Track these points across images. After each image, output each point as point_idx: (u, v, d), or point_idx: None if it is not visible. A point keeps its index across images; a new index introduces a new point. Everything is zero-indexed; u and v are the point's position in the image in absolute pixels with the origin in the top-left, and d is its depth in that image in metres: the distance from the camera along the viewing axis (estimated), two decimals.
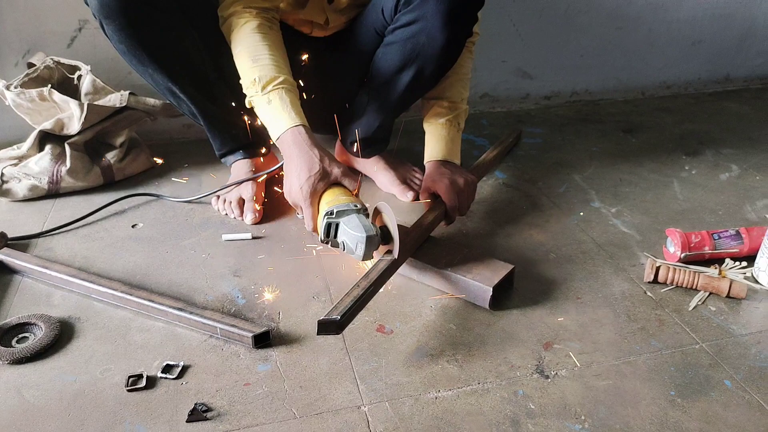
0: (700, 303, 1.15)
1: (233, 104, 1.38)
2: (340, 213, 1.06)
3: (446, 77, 1.38)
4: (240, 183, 1.41)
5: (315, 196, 1.11)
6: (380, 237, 1.06)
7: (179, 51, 1.28)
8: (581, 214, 1.46)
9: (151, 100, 1.49)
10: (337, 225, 1.06)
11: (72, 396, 0.95)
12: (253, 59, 1.17)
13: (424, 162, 1.40)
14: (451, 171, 1.33)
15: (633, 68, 2.12)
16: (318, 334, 0.95)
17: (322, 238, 1.07)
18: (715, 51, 2.17)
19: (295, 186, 1.11)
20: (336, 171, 1.12)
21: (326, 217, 1.06)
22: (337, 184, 1.13)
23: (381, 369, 1.01)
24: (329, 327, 0.95)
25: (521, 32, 1.97)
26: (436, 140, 1.39)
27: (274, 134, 1.14)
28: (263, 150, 1.52)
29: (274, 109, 1.14)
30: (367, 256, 1.04)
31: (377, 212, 1.11)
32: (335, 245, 1.08)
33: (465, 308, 1.14)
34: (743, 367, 1.00)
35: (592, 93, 2.13)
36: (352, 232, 1.03)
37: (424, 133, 1.43)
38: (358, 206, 1.06)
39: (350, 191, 1.12)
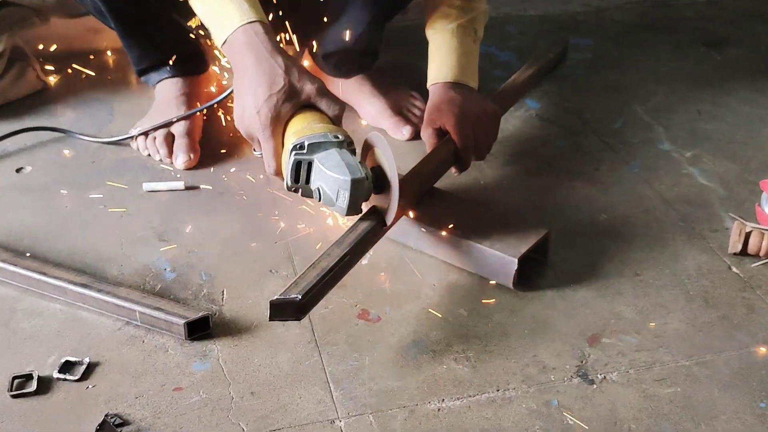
0: None
1: None
2: (315, 147, 1.05)
3: None
4: (173, 122, 1.43)
5: (278, 124, 1.10)
6: (372, 182, 1.06)
7: None
8: (644, 159, 1.46)
9: None
10: (309, 164, 1.06)
11: None
12: None
13: (427, 85, 1.40)
14: (464, 98, 1.33)
15: None
16: (271, 319, 0.95)
17: (289, 184, 1.07)
18: None
19: (249, 109, 1.10)
20: (308, 87, 1.11)
21: (294, 152, 1.05)
22: (309, 106, 1.12)
23: (363, 370, 1.02)
24: (286, 310, 0.95)
25: None
26: (443, 54, 1.39)
27: (218, 35, 1.13)
28: (202, 64, 1.51)
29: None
30: (353, 208, 1.04)
31: (368, 147, 1.12)
32: (307, 193, 1.08)
33: (481, 288, 1.15)
34: None
35: None
36: (332, 173, 1.03)
37: (427, 43, 1.42)
38: (341, 137, 1.06)
39: (329, 117, 1.12)
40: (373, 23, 1.43)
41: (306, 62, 1.60)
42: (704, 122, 1.59)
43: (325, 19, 1.46)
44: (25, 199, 1.31)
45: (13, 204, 1.30)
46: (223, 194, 1.35)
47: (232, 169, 1.42)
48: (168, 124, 1.44)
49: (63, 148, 1.46)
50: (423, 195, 1.24)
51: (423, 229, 1.20)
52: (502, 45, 1.88)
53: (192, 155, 1.42)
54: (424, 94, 1.43)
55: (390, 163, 1.07)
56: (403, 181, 1.17)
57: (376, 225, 1.09)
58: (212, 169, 1.42)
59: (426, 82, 1.41)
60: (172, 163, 1.43)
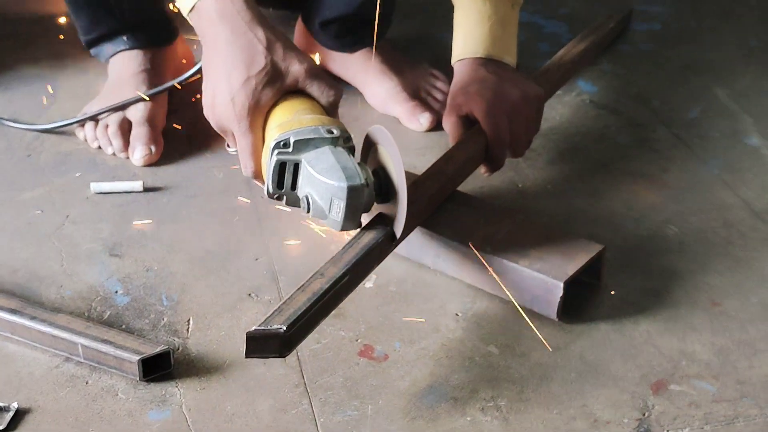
0: None
1: None
2: (303, 144, 1.05)
3: None
4: (130, 104, 1.43)
5: (258, 114, 1.10)
6: (374, 189, 1.07)
7: None
8: (726, 157, 1.45)
9: None
10: (296, 165, 1.06)
11: None
12: None
13: (452, 62, 1.39)
14: (498, 77, 1.32)
15: None
16: (247, 356, 0.93)
17: (270, 190, 1.08)
18: None
19: (221, 95, 1.10)
20: (296, 68, 1.11)
21: (277, 151, 1.06)
22: (297, 92, 1.12)
23: (365, 422, 1.00)
24: (267, 344, 0.94)
25: None
26: (473, 23, 1.37)
27: (185, 1, 1.13)
28: (168, 33, 1.52)
29: None
30: (350, 221, 1.05)
31: (370, 143, 1.12)
32: (293, 202, 1.08)
33: (516, 319, 1.14)
34: None
35: None
36: (323, 178, 1.03)
37: (452, 9, 1.41)
38: (335, 132, 1.06)
39: (322, 105, 1.13)
40: None
41: (296, 29, 1.62)
42: None
43: None
44: None
45: None
46: (193, 198, 1.35)
47: (205, 166, 1.42)
48: (123, 107, 1.44)
49: None
50: (443, 201, 1.24)
51: (444, 244, 1.20)
52: (548, 12, 1.88)
53: (153, 148, 1.42)
54: (448, 74, 1.42)
55: (397, 166, 1.07)
56: (415, 186, 1.17)
57: (384, 238, 1.09)
58: (179, 165, 1.42)
59: (450, 57, 1.40)
60: (128, 157, 1.43)
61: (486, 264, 1.16)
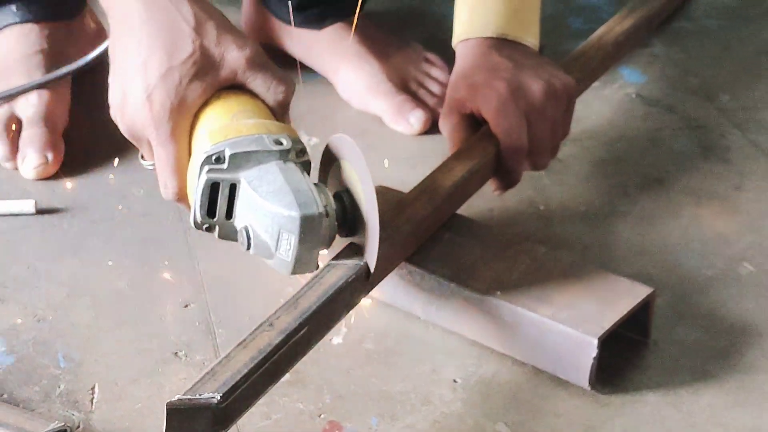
0: None
1: None
2: (241, 158, 1.07)
3: None
4: (22, 92, 1.45)
5: (182, 117, 1.11)
6: (336, 219, 1.08)
7: None
8: None
9: None
10: (233, 187, 1.07)
11: None
12: None
13: (453, 43, 1.42)
14: (515, 65, 1.35)
15: None
16: None
17: (198, 219, 1.08)
18: None
19: (135, 91, 1.11)
20: (234, 56, 1.12)
21: (207, 167, 1.07)
22: (235, 87, 1.14)
23: None
24: (194, 421, 0.94)
25: None
26: None
27: None
28: (72, 3, 1.54)
29: None
30: (303, 262, 1.06)
31: (332, 159, 1.14)
32: (228, 234, 1.09)
33: (535, 387, 1.15)
34: None
35: None
36: (269, 204, 1.04)
37: None
38: (285, 143, 1.08)
39: (269, 107, 1.14)
40: None
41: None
42: None
43: None
44: None
45: None
46: (101, 223, 1.37)
47: (120, 181, 1.44)
48: (10, 99, 1.46)
49: None
50: (438, 228, 1.25)
51: (438, 287, 1.20)
52: None
53: (50, 155, 1.43)
54: (448, 59, 1.45)
55: (366, 187, 1.09)
56: (400, 208, 1.20)
57: (356, 276, 1.09)
58: (84, 179, 1.43)
59: (451, 37, 1.42)
60: (16, 168, 1.45)
61: (495, 313, 1.16)
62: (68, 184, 1.42)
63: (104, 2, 1.15)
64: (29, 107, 1.45)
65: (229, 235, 1.08)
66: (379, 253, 1.09)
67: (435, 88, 1.56)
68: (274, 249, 1.05)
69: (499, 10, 1.38)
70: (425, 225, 1.21)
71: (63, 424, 1.05)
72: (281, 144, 1.06)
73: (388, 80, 1.56)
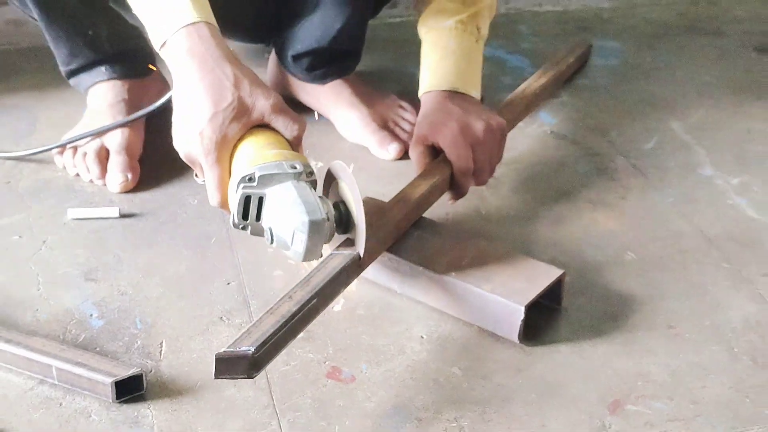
0: None
1: None
2: (267, 179, 1.09)
3: None
4: (109, 129, 1.48)
5: (224, 148, 1.13)
6: (335, 222, 1.13)
7: None
8: (681, 187, 1.51)
9: None
10: (260, 199, 1.10)
11: None
12: None
13: (419, 94, 1.47)
14: (463, 110, 1.39)
15: None
16: (217, 376, 0.97)
17: (236, 221, 1.12)
18: None
19: (190, 129, 1.13)
20: (261, 104, 1.14)
21: (242, 184, 1.10)
22: (263, 126, 1.16)
23: None
24: (235, 366, 0.97)
25: None
26: (439, 57, 1.45)
27: (157, 38, 1.17)
28: (144, 66, 1.59)
29: None
30: (311, 253, 1.09)
31: (331, 178, 1.18)
32: (257, 232, 1.13)
33: (479, 341, 1.19)
34: None
35: None
36: (286, 212, 1.08)
37: (419, 43, 1.48)
38: (298, 167, 1.10)
39: (287, 140, 1.16)
40: (354, 18, 1.51)
41: (270, 63, 1.69)
42: (755, 143, 1.67)
43: (296, 13, 1.53)
44: None
45: None
46: (167, 224, 1.42)
47: (179, 194, 1.48)
48: (101, 135, 1.50)
49: None
50: (410, 227, 1.29)
51: (410, 269, 1.24)
52: (511, 47, 1.95)
53: (130, 175, 1.48)
54: (416, 105, 1.49)
55: (356, 199, 1.13)
56: (382, 212, 1.23)
57: (351, 262, 1.14)
58: (154, 192, 1.48)
59: (417, 90, 1.47)
60: (105, 184, 1.49)
61: (450, 288, 1.20)
62: (143, 196, 1.46)
63: (169, 64, 1.17)
64: (115, 140, 1.49)
65: (258, 233, 1.12)
66: (366, 245, 1.13)
67: (406, 126, 1.58)
68: (290, 243, 1.08)
69: (451, 70, 1.43)
70: (400, 225, 1.25)
71: (140, 369, 1.09)
72: (296, 168, 1.09)
73: (373, 121, 1.58)
